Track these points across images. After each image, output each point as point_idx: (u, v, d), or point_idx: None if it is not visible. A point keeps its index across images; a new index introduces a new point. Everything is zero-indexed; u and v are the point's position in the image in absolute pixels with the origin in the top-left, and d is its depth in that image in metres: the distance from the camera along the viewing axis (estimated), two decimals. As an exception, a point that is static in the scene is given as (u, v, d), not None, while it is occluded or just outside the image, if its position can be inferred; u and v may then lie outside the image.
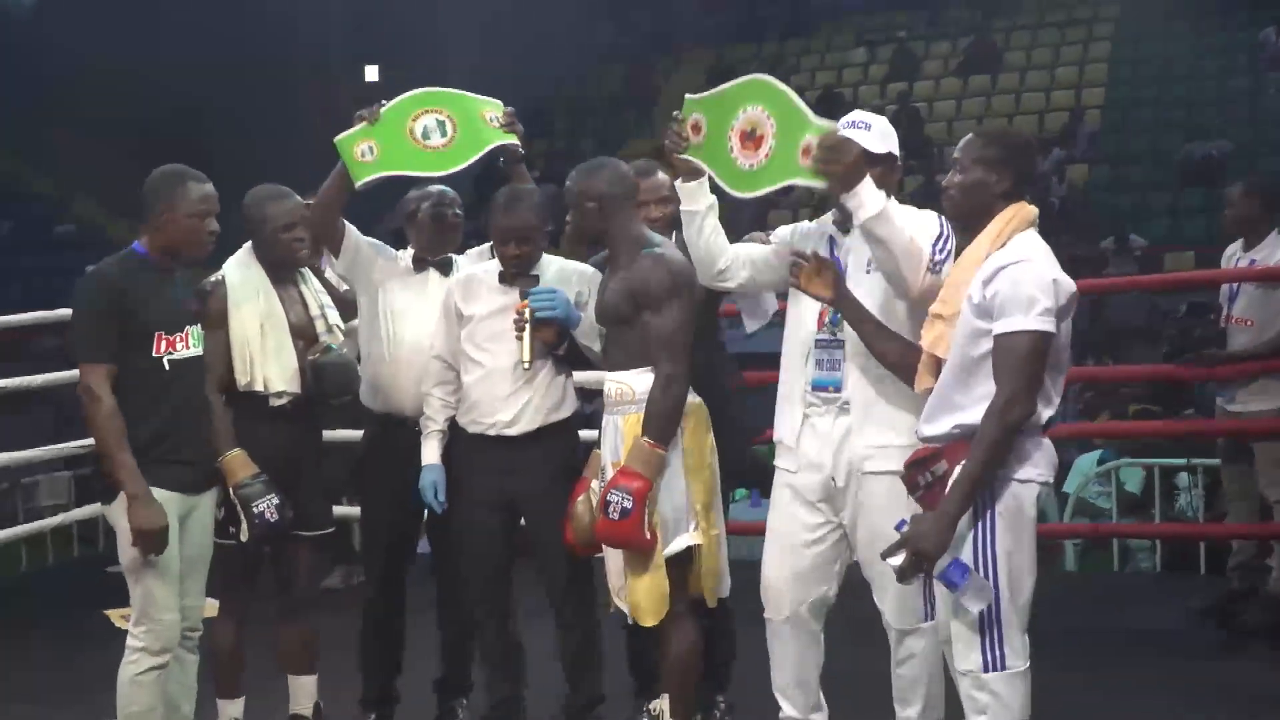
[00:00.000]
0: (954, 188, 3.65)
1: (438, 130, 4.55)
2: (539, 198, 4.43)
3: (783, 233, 4.27)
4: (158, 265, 4.12)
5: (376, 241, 4.78)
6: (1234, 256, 6.00)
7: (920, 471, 3.58)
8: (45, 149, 22.00)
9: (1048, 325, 3.38)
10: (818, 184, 3.83)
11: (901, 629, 4.02)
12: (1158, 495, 7.53)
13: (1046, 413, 3.50)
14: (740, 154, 3.97)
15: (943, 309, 3.58)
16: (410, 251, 4.72)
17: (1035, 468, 3.47)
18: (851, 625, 4.23)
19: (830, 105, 19.58)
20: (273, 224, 4.39)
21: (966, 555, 3.42)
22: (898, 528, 3.50)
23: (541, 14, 22.40)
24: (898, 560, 3.43)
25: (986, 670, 3.44)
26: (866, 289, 3.96)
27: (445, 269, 4.68)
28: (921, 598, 3.96)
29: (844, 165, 3.74)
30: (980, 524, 3.43)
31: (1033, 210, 3.60)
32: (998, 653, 3.44)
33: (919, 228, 3.91)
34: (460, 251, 4.82)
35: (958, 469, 3.45)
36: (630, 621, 4.17)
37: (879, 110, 20.12)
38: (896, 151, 4.07)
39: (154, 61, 20.22)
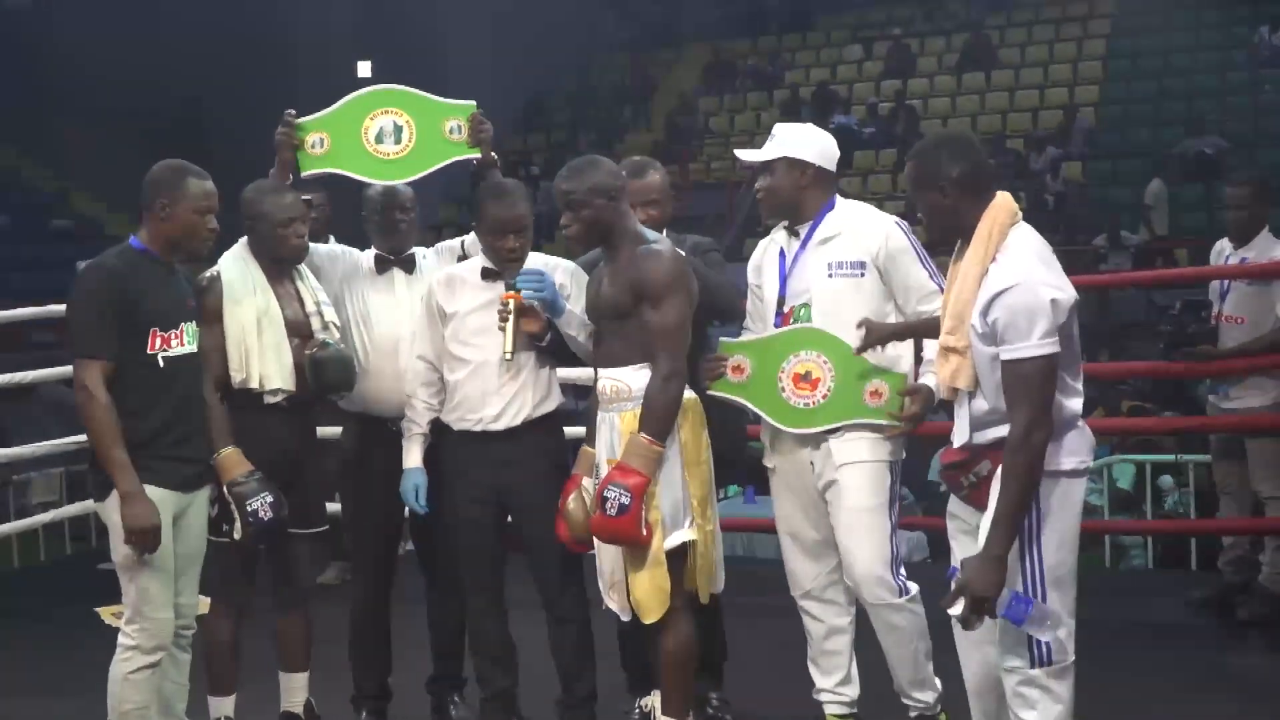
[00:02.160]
0: (923, 215, 3.70)
1: (392, 136, 4.56)
2: (524, 189, 4.45)
3: (753, 281, 4.47)
4: (155, 260, 4.10)
5: (334, 247, 4.79)
6: (1223, 253, 6.01)
7: (963, 473, 3.62)
8: (45, 142, 21.98)
9: (1051, 347, 3.38)
10: (886, 422, 4.15)
11: (877, 604, 4.21)
12: (1149, 492, 7.54)
13: (1078, 403, 3.53)
14: (794, 394, 4.23)
15: (954, 341, 3.56)
16: (372, 251, 4.72)
17: (1075, 456, 3.49)
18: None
19: (825, 102, 19.61)
20: (272, 219, 4.38)
21: (1013, 553, 3.42)
22: (949, 576, 3.53)
23: (543, 6, 22.40)
24: (957, 609, 3.44)
25: (1034, 666, 3.47)
26: (832, 293, 4.20)
27: (409, 266, 4.68)
28: (892, 575, 4.19)
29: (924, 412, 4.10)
30: (1027, 520, 3.44)
31: (1005, 202, 3.57)
32: (1044, 647, 3.47)
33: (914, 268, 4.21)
34: (430, 244, 4.82)
35: (994, 489, 3.47)
36: (625, 619, 4.17)
37: (874, 108, 20.17)
38: (795, 155, 4.26)
39: (155, 55, 20.22)
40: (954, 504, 3.77)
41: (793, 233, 4.32)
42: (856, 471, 4.19)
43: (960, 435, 3.64)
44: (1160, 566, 7.59)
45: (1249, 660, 5.50)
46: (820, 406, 4.20)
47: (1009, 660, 3.52)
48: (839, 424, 4.19)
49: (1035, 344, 3.36)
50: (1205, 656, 5.46)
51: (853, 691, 4.41)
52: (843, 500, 4.20)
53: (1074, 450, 3.48)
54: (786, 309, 4.28)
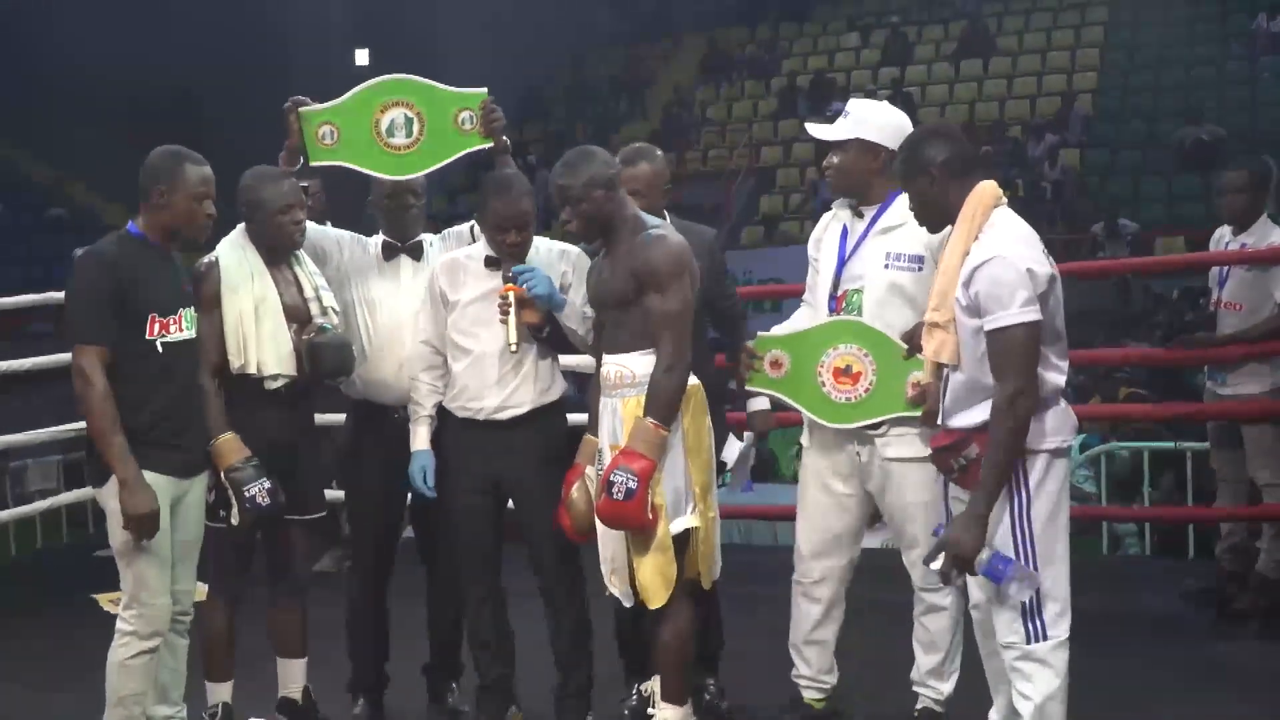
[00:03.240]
0: (913, 204, 3.81)
1: (403, 129, 4.53)
2: (528, 184, 4.42)
3: (812, 254, 4.46)
4: (153, 247, 4.09)
5: (342, 233, 4.76)
6: (1223, 240, 6.00)
7: (952, 456, 3.70)
8: (41, 133, 21.97)
9: (1032, 315, 3.51)
10: (917, 414, 4.12)
11: (928, 587, 4.27)
12: (1147, 480, 7.54)
13: (1060, 379, 3.64)
14: (835, 388, 4.24)
15: (938, 317, 3.69)
16: (380, 237, 4.70)
17: (1058, 435, 3.61)
18: (867, 606, 4.48)
19: (822, 91, 19.59)
20: (269, 206, 4.35)
21: (1004, 530, 3.56)
22: (935, 533, 3.68)
23: (540, -3, 22.45)
24: (937, 564, 3.60)
25: (1030, 641, 3.60)
26: (886, 283, 4.20)
27: (416, 254, 4.66)
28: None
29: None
30: (1015, 498, 3.57)
31: (989, 187, 3.70)
32: (1039, 623, 3.59)
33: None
34: (436, 231, 4.81)
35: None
36: (628, 604, 4.16)
37: (871, 96, 20.25)
38: (869, 138, 4.23)
39: (150, 45, 20.21)
40: (953, 489, 3.83)
41: (857, 213, 4.29)
42: (909, 468, 4.20)
43: (941, 417, 3.76)
44: (1157, 554, 7.59)
45: (1245, 650, 5.49)
46: (862, 401, 4.20)
47: (1007, 637, 3.64)
48: (882, 418, 4.19)
49: (1017, 312, 3.49)
50: (1202, 646, 5.46)
51: (833, 679, 4.46)
52: (902, 494, 4.23)
53: (1056, 430, 3.60)
54: (840, 291, 4.27)
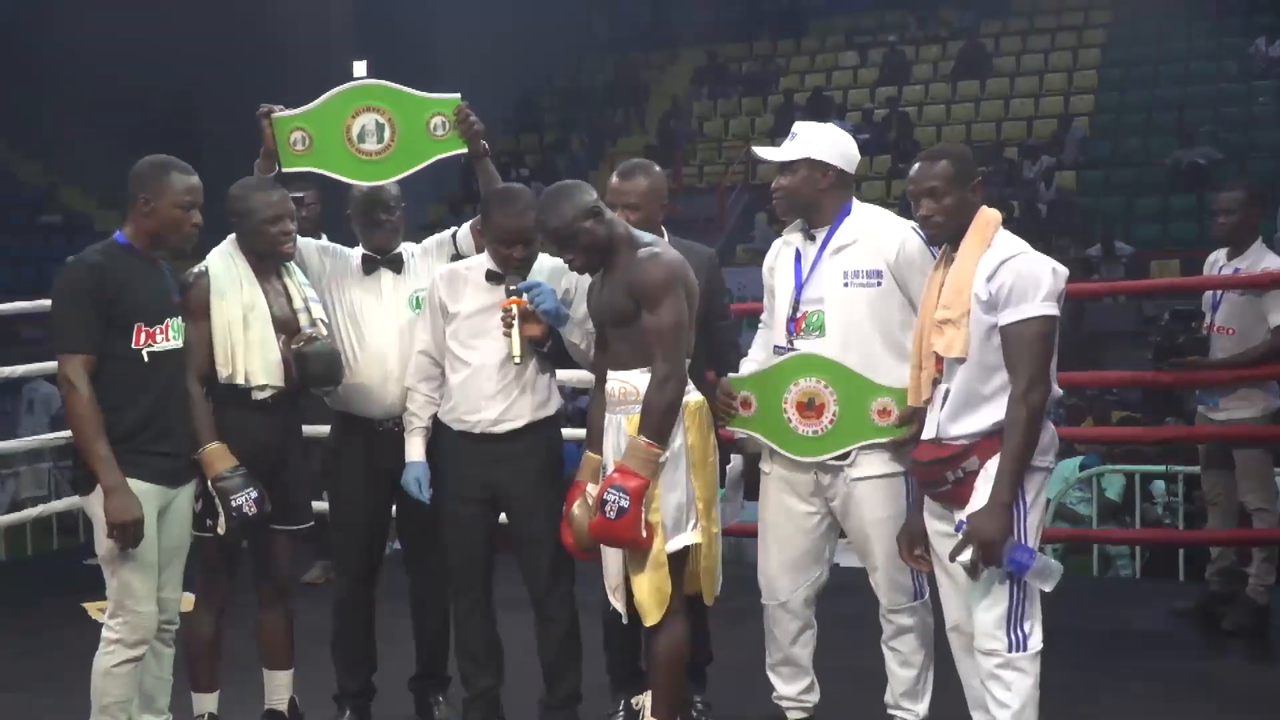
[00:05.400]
0: (939, 213, 3.81)
1: (374, 135, 4.52)
2: (532, 197, 4.40)
3: (768, 281, 4.44)
4: (140, 255, 4.09)
5: (326, 244, 4.77)
6: (1217, 264, 6.00)
7: (949, 468, 3.74)
8: (35, 137, 21.96)
9: (1053, 310, 3.61)
10: (900, 438, 4.10)
11: (893, 608, 4.25)
12: (1138, 502, 7.55)
13: (1058, 391, 3.72)
14: (801, 423, 4.22)
15: (949, 314, 3.73)
16: (360, 250, 4.70)
17: (1045, 455, 3.69)
18: (840, 621, 4.45)
19: (820, 108, 19.61)
20: (259, 216, 4.35)
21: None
22: (958, 528, 3.70)
23: (536, 7, 22.41)
24: (965, 557, 3.63)
25: (1012, 650, 3.67)
26: (847, 302, 4.17)
27: (396, 266, 4.65)
28: (910, 578, 4.22)
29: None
30: (1015, 509, 3.63)
31: (995, 211, 3.82)
32: (1021, 633, 3.67)
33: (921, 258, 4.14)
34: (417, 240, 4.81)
35: (991, 461, 3.65)
36: (626, 622, 4.16)
37: (868, 115, 20.14)
38: (819, 157, 4.24)
39: (147, 51, 20.20)
40: (930, 506, 3.88)
41: (809, 236, 4.28)
42: (873, 486, 4.18)
43: (930, 429, 3.80)
44: (1148, 576, 7.60)
45: (1232, 666, 5.54)
46: (829, 433, 4.18)
47: (988, 644, 3.70)
48: (851, 447, 4.17)
49: (1039, 305, 3.59)
50: (1189, 665, 5.47)
51: (814, 698, 4.45)
52: (862, 513, 4.19)
53: (1044, 450, 3.68)
54: (799, 314, 4.24)
